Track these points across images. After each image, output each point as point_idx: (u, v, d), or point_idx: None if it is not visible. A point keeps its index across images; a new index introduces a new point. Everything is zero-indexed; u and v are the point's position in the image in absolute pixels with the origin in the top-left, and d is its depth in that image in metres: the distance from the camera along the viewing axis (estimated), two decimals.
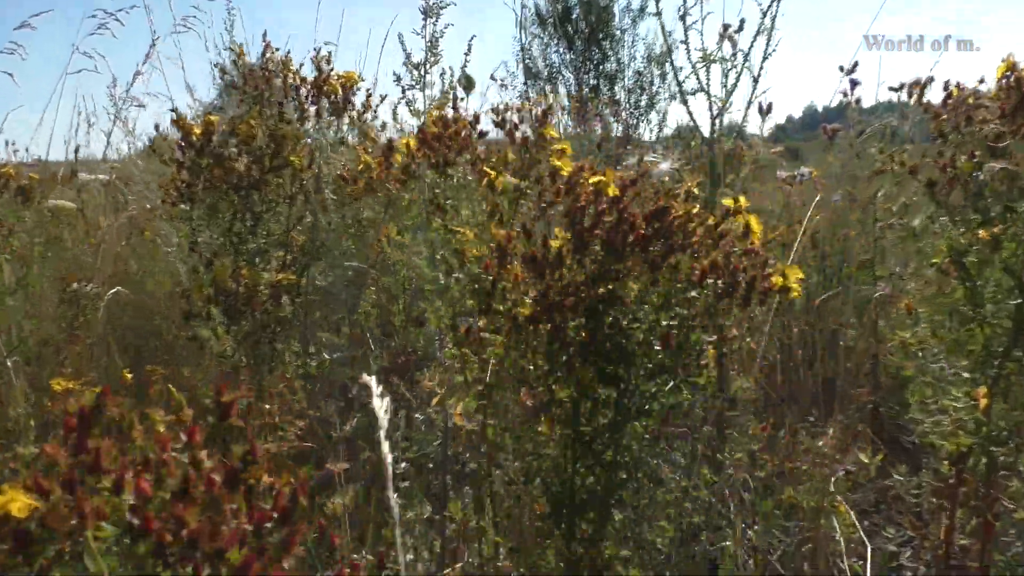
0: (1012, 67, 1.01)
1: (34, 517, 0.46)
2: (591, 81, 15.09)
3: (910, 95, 2.42)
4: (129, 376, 1.96)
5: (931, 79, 2.44)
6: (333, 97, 1.44)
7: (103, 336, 2.29)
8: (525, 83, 15.18)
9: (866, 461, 1.54)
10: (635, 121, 13.96)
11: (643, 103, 14.28)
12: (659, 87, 14.09)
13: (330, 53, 1.45)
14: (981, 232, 1.01)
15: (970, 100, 1.05)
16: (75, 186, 3.26)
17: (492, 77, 3.59)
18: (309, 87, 1.44)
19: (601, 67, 15.11)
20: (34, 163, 4.90)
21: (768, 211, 2.92)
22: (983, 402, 0.94)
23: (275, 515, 0.50)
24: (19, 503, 0.47)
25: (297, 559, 0.50)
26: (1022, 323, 1.00)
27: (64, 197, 2.76)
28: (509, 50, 15.67)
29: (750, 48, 1.98)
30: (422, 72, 1.35)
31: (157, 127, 3.99)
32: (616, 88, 14.94)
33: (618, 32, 14.92)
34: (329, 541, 0.71)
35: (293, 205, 1.53)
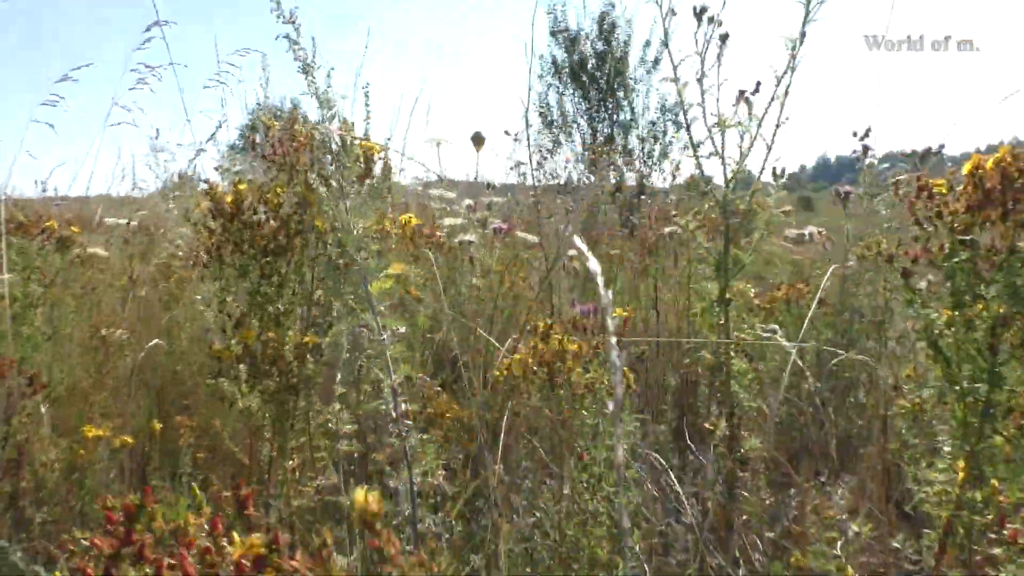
0: (978, 165, 1.07)
1: None
2: (605, 130, 15.30)
3: (922, 159, 2.48)
4: (158, 427, 2.01)
5: (940, 148, 2.51)
6: (355, 165, 1.51)
7: (129, 382, 2.35)
8: (540, 131, 15.42)
9: (856, 529, 1.56)
10: (648, 170, 14.12)
11: (656, 152, 14.44)
12: (672, 137, 14.28)
13: (353, 124, 1.52)
14: (955, 313, 1.06)
15: (943, 191, 1.12)
16: (104, 231, 3.36)
17: (506, 132, 3.68)
18: (333, 156, 1.51)
19: (616, 116, 15.33)
20: (61, 199, 5.04)
21: (774, 272, 2.97)
22: (961, 475, 0.98)
23: None
24: None
25: None
26: (991, 401, 1.04)
27: (94, 243, 2.85)
28: (527, 97, 15.91)
29: (764, 115, 2.05)
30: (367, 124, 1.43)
31: (181, 175, 4.13)
32: (630, 137, 15.13)
33: (632, 82, 15.16)
34: None
35: (316, 267, 1.60)
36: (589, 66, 15.69)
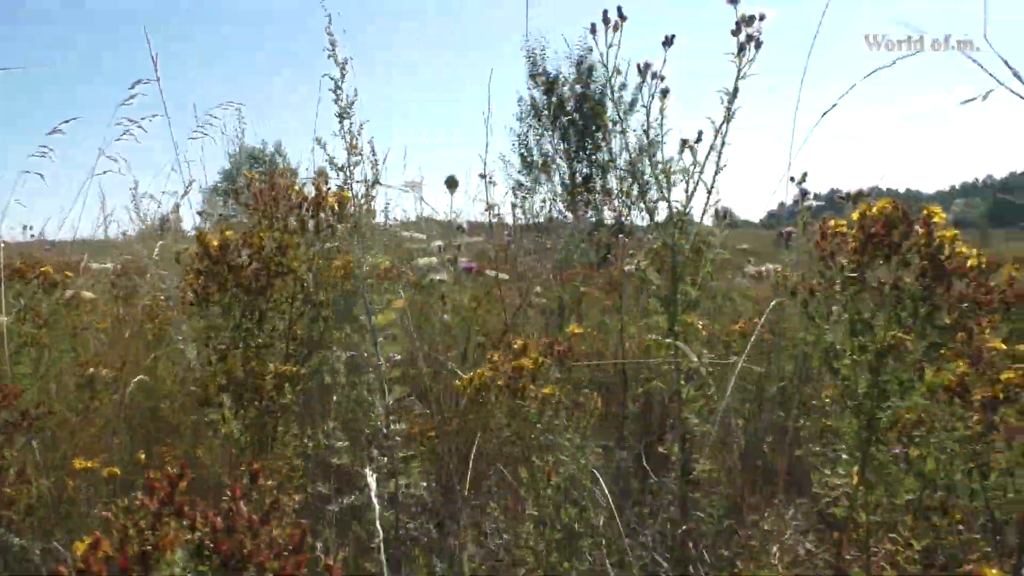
0: (864, 212, 1.25)
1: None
2: (584, 170, 15.63)
3: (854, 199, 2.67)
4: (143, 457, 2.14)
5: (872, 191, 2.70)
6: (329, 212, 1.68)
7: (115, 419, 2.47)
8: (520, 171, 15.71)
9: (809, 547, 1.71)
10: (627, 209, 14.41)
11: (635, 191, 14.74)
12: (649, 176, 14.56)
13: (325, 172, 1.69)
14: (852, 340, 1.22)
15: (838, 229, 1.29)
16: (91, 275, 3.49)
17: (481, 175, 3.86)
18: (308, 204, 1.68)
19: (594, 157, 15.66)
20: (50, 243, 5.17)
21: (730, 309, 3.14)
22: (855, 480, 1.12)
23: (291, 545, 0.72)
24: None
25: None
26: (876, 417, 1.20)
27: (82, 286, 2.98)
28: (507, 140, 16.26)
29: (704, 161, 2.23)
30: (348, 172, 1.57)
31: (165, 220, 4.28)
32: (608, 177, 15.46)
33: (611, 124, 15.50)
34: None
35: (295, 303, 1.75)
36: (568, 108, 16.05)
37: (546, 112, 15.92)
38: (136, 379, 2.07)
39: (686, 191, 2.30)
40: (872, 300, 1.24)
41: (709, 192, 2.22)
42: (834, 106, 2.21)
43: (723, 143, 2.13)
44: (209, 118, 2.76)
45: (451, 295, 2.67)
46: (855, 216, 1.26)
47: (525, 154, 15.89)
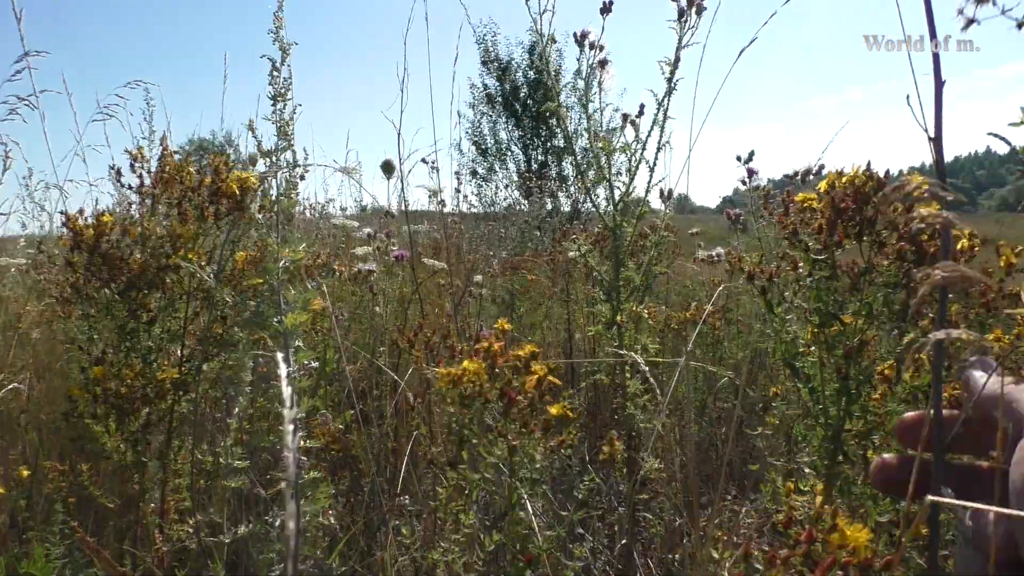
0: (832, 183, 1.09)
1: None
2: (539, 157, 15.47)
3: (803, 178, 2.55)
4: (26, 473, 1.93)
5: (819, 168, 2.58)
6: (230, 199, 1.48)
7: (10, 428, 2.24)
8: (475, 159, 15.49)
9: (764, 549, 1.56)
10: (583, 196, 14.30)
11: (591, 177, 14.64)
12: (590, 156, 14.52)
13: (228, 156, 1.49)
14: (818, 332, 1.07)
15: (806, 204, 1.13)
16: None
17: (423, 160, 3.67)
18: (207, 189, 1.48)
19: (549, 143, 15.52)
20: None
21: (681, 291, 3.01)
22: (819, 499, 0.98)
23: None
24: None
25: None
26: (841, 427, 1.06)
27: None
28: (458, 128, 16.01)
29: (647, 138, 2.08)
30: (275, 159, 1.38)
31: (65, 213, 4.00)
32: (564, 163, 15.32)
33: (565, 110, 15.37)
34: None
35: (192, 301, 1.55)
36: (521, 95, 15.88)
37: (499, 99, 15.71)
38: (10, 387, 1.85)
39: (628, 170, 2.15)
40: (841, 287, 1.08)
41: (652, 169, 2.07)
42: (741, 52, 2.06)
43: (665, 117, 1.98)
44: (115, 98, 2.51)
45: (382, 286, 2.49)
46: (822, 186, 1.11)
47: (479, 141, 15.66)
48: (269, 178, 1.39)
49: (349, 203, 6.02)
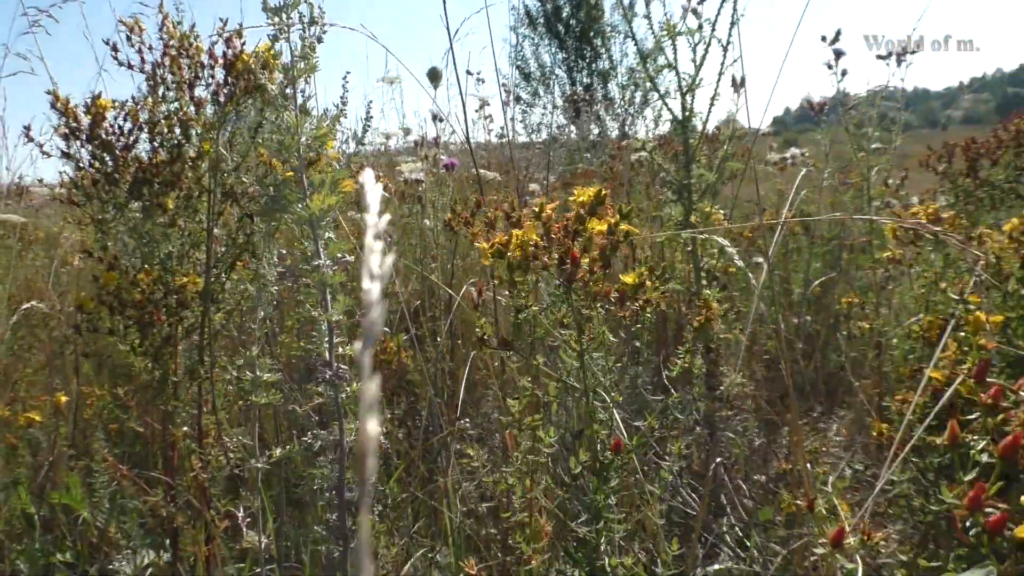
0: None
1: None
2: (584, 80, 14.94)
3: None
4: (63, 399, 1.80)
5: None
6: (247, 78, 1.27)
7: (52, 356, 2.13)
8: (518, 84, 15.01)
9: (857, 466, 1.36)
10: (631, 118, 13.79)
11: (638, 100, 14.10)
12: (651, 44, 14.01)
13: (240, 25, 1.28)
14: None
15: None
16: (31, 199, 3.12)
17: (468, 71, 3.42)
18: (219, 64, 1.27)
19: (594, 65, 14.95)
20: None
21: (751, 199, 2.74)
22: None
23: None
24: None
25: None
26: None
27: (9, 211, 2.61)
28: (501, 52, 15.52)
29: (716, 16, 1.81)
30: (285, 15, 1.14)
31: (53, 93, 3.85)
32: (610, 86, 14.78)
33: (608, 29, 14.75)
34: None
35: (213, 200, 1.36)
36: (564, 15, 15.25)
37: (540, 20, 15.12)
38: (27, 305, 1.70)
39: (693, 59, 1.87)
40: None
41: (725, 49, 1.79)
42: None
43: None
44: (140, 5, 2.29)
45: (431, 197, 2.28)
46: None
47: (522, 66, 15.16)
48: (280, 41, 1.18)
49: (393, 128, 5.79)
